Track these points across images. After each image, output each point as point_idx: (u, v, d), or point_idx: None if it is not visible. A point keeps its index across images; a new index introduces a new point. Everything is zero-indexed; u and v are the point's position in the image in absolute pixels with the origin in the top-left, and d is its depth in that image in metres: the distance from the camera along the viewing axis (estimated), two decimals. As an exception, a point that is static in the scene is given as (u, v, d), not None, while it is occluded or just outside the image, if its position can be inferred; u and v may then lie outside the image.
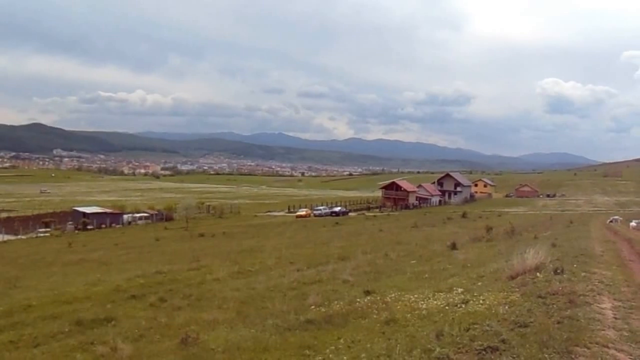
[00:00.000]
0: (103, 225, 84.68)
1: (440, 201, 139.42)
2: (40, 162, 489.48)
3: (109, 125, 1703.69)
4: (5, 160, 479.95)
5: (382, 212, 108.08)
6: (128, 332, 12.85)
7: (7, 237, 68.42)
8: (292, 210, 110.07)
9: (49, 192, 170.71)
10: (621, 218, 54.68)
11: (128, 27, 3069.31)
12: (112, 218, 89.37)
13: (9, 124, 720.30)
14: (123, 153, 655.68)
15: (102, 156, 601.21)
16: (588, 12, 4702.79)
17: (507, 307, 8.96)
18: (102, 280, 23.78)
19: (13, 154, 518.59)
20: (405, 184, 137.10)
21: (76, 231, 78.83)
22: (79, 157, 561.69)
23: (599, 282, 11.63)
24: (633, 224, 40.75)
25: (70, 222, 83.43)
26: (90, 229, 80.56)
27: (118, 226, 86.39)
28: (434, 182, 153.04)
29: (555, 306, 8.78)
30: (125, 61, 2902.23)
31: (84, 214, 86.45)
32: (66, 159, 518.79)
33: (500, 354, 6.48)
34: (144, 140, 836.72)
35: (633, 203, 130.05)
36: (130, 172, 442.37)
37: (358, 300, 12.91)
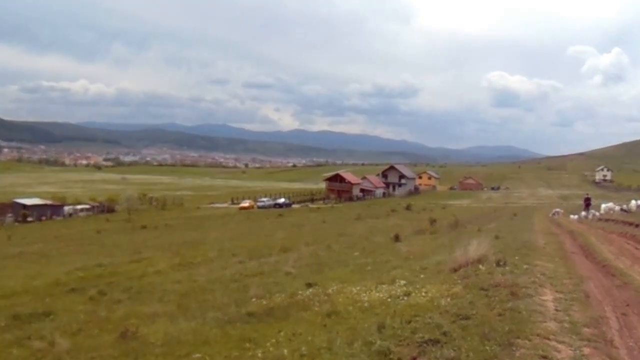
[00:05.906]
0: (43, 218, 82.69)
1: (384, 193, 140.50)
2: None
3: (50, 115, 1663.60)
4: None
5: (325, 204, 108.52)
6: (66, 326, 12.61)
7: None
8: (235, 201, 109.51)
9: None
10: (562, 211, 55.63)
11: (72, 15, 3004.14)
12: (52, 210, 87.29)
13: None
14: (64, 144, 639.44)
15: (43, 147, 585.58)
16: (536, 7, 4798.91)
17: (449, 300, 8.96)
18: (42, 273, 23.31)
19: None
20: (349, 176, 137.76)
21: (16, 223, 76.95)
22: (20, 147, 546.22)
23: (540, 274, 11.78)
24: (575, 217, 41.57)
25: (9, 214, 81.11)
26: (31, 221, 78.72)
27: (59, 218, 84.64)
28: (378, 174, 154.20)
29: (497, 298, 8.81)
30: (68, 50, 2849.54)
31: (24, 206, 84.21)
32: (6, 150, 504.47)
33: (442, 346, 6.44)
34: (86, 131, 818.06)
35: (576, 196, 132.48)
36: (72, 163, 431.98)
37: (300, 292, 12.85)
